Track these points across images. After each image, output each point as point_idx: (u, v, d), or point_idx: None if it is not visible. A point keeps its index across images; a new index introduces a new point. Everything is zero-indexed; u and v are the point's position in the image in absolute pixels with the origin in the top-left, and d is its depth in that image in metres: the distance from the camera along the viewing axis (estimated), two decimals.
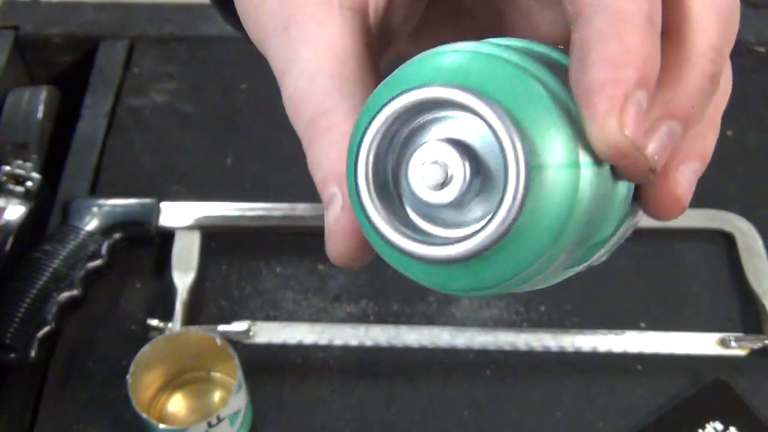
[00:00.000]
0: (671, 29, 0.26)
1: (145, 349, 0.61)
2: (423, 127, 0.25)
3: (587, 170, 0.24)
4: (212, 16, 0.89)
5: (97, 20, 0.89)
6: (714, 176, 0.85)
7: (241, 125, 0.82)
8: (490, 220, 0.23)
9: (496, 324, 0.70)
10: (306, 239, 0.74)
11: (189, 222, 0.72)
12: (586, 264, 0.27)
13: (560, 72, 0.25)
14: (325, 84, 0.29)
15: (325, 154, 0.28)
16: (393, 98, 0.24)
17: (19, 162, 0.72)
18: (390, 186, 0.25)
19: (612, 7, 0.24)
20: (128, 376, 0.59)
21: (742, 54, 0.87)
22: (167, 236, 0.72)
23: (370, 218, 0.25)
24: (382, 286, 0.72)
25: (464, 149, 0.24)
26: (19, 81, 0.87)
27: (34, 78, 0.90)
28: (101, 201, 0.72)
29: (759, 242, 0.72)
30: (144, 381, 0.62)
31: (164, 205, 0.73)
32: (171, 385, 0.65)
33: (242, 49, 0.88)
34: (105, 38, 0.88)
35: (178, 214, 0.73)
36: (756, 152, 0.80)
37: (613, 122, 0.23)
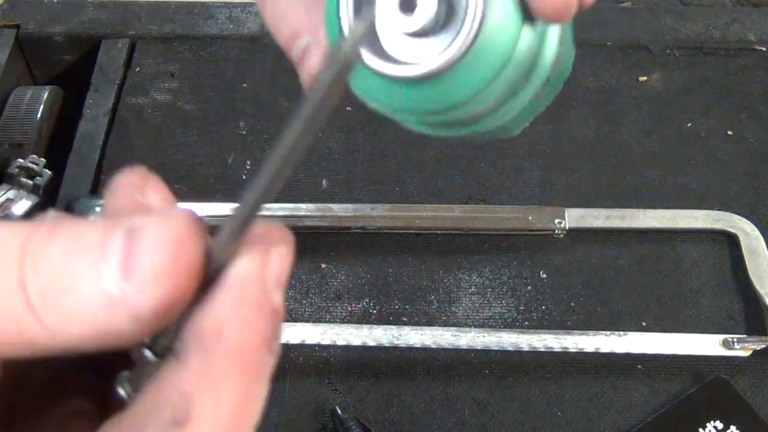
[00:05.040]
0: None
1: None
2: None
3: (528, 22, 0.28)
4: (213, 15, 0.90)
5: (99, 19, 0.89)
6: (715, 176, 0.86)
7: (243, 124, 0.82)
8: (452, 42, 0.27)
9: (497, 322, 0.70)
10: (307, 239, 0.74)
11: None
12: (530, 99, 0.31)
13: None
14: None
15: (291, 9, 0.31)
16: None
17: (34, 157, 0.72)
18: (367, 24, 0.28)
19: None
20: None
21: (742, 53, 0.87)
22: None
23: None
24: (383, 285, 0.72)
25: None
26: (21, 80, 0.87)
27: (36, 77, 0.90)
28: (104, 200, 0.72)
29: (762, 244, 0.72)
30: None
31: None
32: None
33: (243, 47, 0.88)
34: (106, 37, 0.88)
35: None
36: (757, 151, 0.80)
37: None
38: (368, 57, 0.28)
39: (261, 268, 0.23)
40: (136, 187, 0.26)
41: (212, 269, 0.23)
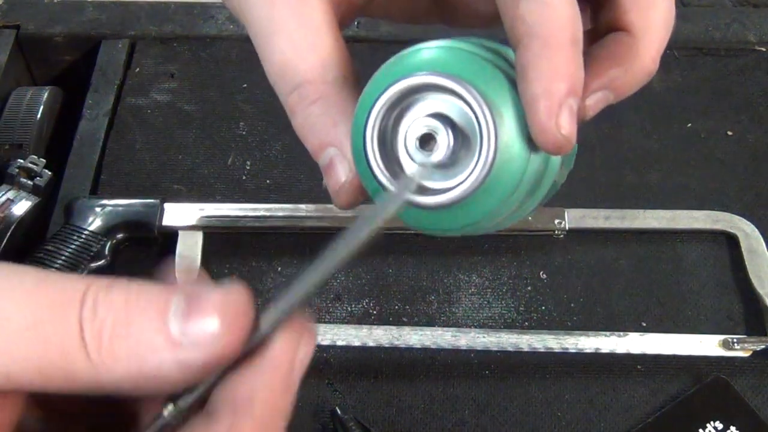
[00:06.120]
0: (636, 30, 0.34)
1: None
2: (411, 106, 0.32)
3: (534, 150, 0.31)
4: (213, 16, 0.90)
5: (99, 19, 0.89)
6: (715, 176, 0.86)
7: (242, 125, 0.82)
8: (469, 174, 0.30)
9: (497, 323, 0.70)
10: (307, 239, 0.74)
11: (192, 222, 0.72)
12: (533, 207, 0.35)
13: (512, 67, 0.31)
14: (309, 55, 0.34)
15: (320, 121, 0.34)
16: (394, 82, 0.31)
17: (34, 157, 0.73)
18: (390, 151, 0.32)
19: (542, 35, 0.30)
20: None
21: (742, 53, 0.87)
22: (170, 236, 0.72)
23: (377, 178, 0.31)
24: (383, 285, 0.72)
25: (447, 121, 0.31)
26: (20, 80, 0.87)
27: (36, 77, 0.90)
28: (104, 201, 0.72)
29: (762, 244, 0.72)
30: None
31: (167, 206, 0.73)
32: None
33: (243, 48, 0.88)
34: (106, 37, 0.88)
35: (181, 215, 0.73)
36: (757, 152, 0.80)
37: (552, 125, 0.30)
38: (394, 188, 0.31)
39: (293, 354, 0.28)
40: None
41: (253, 339, 0.27)
